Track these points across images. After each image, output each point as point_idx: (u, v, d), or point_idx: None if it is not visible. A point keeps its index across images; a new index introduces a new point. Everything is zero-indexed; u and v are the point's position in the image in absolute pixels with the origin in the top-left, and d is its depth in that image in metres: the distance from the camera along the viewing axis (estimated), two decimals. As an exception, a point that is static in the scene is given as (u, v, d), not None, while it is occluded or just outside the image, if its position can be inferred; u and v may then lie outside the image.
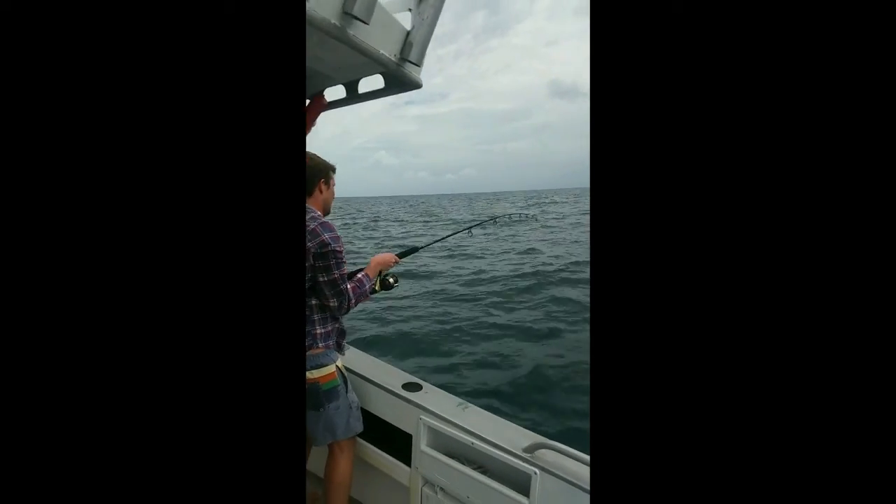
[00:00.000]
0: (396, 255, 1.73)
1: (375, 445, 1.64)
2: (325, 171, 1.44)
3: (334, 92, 1.40)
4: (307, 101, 1.31)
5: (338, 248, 1.37)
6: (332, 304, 1.42)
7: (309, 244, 1.33)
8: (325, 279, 1.37)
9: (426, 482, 1.48)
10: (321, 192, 1.44)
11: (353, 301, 1.45)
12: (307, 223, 1.36)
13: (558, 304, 6.32)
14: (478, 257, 10.47)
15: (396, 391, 1.57)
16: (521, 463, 1.23)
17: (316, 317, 1.43)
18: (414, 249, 1.87)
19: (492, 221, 2.05)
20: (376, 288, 1.64)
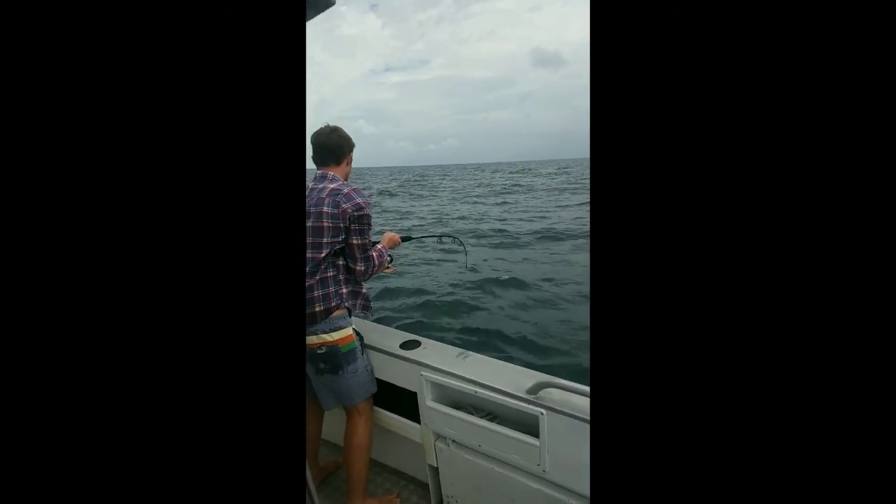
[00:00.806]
0: (401, 237, 1.73)
1: (384, 408, 1.63)
2: (351, 145, 1.51)
3: None
4: None
5: (371, 213, 1.42)
6: (358, 268, 1.44)
7: (345, 206, 1.36)
8: (358, 242, 1.41)
9: (437, 436, 1.47)
10: (347, 163, 1.50)
11: (376, 268, 1.49)
12: (340, 187, 1.40)
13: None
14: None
15: (395, 351, 1.52)
16: (526, 406, 1.19)
17: (342, 276, 1.44)
18: (410, 238, 1.84)
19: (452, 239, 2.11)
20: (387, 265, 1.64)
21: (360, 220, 1.38)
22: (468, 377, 1.33)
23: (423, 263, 6.81)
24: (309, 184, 1.46)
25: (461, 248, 2.09)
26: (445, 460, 1.45)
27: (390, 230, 1.72)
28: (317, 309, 1.39)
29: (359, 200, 1.38)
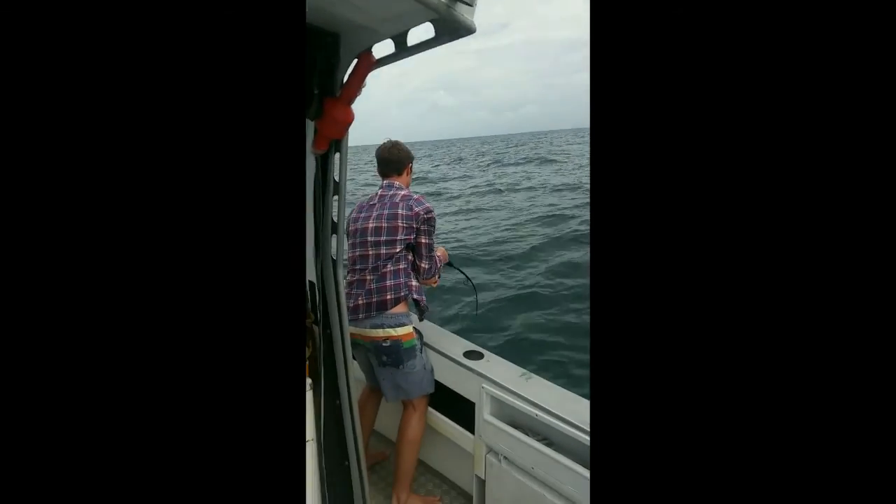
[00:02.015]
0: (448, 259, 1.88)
1: (439, 411, 1.66)
2: (411, 157, 1.70)
3: (382, 48, 1.35)
4: (355, 60, 1.26)
5: (436, 217, 1.62)
6: (423, 266, 1.60)
7: (417, 209, 1.55)
8: (426, 241, 1.59)
9: (490, 450, 1.48)
10: (408, 174, 1.69)
11: (436, 270, 1.67)
12: (410, 194, 1.60)
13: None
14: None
15: (458, 359, 1.55)
16: (586, 437, 1.17)
17: (411, 271, 1.59)
18: (450, 264, 1.93)
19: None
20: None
21: (429, 222, 1.58)
22: (531, 399, 1.33)
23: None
24: (378, 191, 1.64)
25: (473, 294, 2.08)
26: (494, 475, 1.46)
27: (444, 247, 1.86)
28: (388, 297, 1.50)
29: (428, 205, 1.59)
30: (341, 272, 1.19)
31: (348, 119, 1.02)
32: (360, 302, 1.51)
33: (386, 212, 1.54)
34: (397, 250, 1.53)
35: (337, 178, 1.10)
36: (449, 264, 1.90)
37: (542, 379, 1.45)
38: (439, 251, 1.76)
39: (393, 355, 1.50)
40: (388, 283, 1.51)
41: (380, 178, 1.69)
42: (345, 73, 1.00)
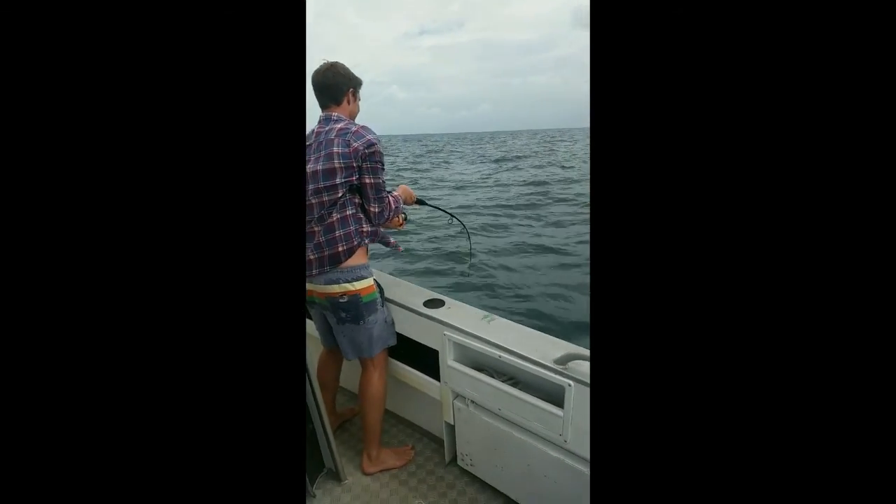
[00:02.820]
0: (417, 197, 1.64)
1: (404, 363, 1.62)
2: (354, 82, 1.41)
3: None
4: None
5: (382, 150, 1.35)
6: (373, 209, 1.39)
7: (356, 143, 1.30)
8: (371, 181, 1.35)
9: (456, 395, 1.46)
10: (349, 102, 1.41)
11: (391, 213, 1.43)
12: (347, 126, 1.33)
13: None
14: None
15: (419, 309, 1.49)
16: (553, 375, 1.16)
17: (361, 215, 1.39)
18: (423, 203, 1.75)
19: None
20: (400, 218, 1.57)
21: (371, 158, 1.32)
22: (493, 341, 1.30)
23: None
24: (315, 128, 1.39)
25: (465, 237, 1.99)
26: (463, 419, 1.45)
27: (406, 185, 1.64)
28: (339, 248, 1.35)
29: (369, 137, 1.32)
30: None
31: None
32: (312, 257, 1.36)
33: (323, 152, 1.31)
34: (339, 195, 1.32)
35: None
36: (420, 202, 1.69)
37: (503, 319, 1.41)
38: (401, 189, 1.56)
39: (352, 311, 1.40)
40: (337, 233, 1.34)
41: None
42: None
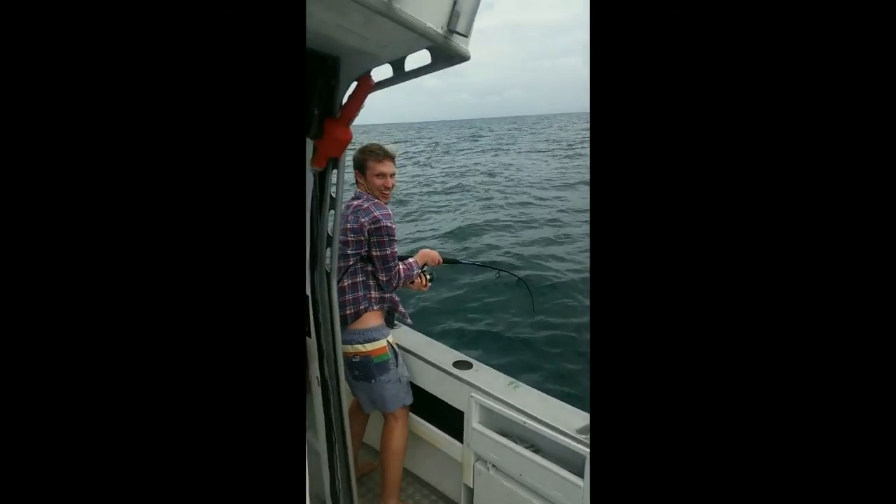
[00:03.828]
0: (441, 256, 1.79)
1: (427, 421, 1.68)
2: (365, 156, 1.57)
3: (381, 71, 1.40)
4: (354, 83, 1.32)
5: (389, 225, 1.50)
6: (382, 278, 1.54)
7: (363, 220, 1.48)
8: (378, 253, 1.51)
9: (478, 458, 1.51)
10: (369, 174, 1.57)
11: (402, 280, 1.58)
12: (361, 203, 1.52)
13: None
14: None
15: (447, 368, 1.59)
16: (574, 444, 1.22)
17: (371, 282, 1.55)
18: (456, 261, 1.85)
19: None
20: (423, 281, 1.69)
21: (378, 233, 1.48)
22: (519, 407, 1.37)
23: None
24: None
25: (526, 290, 1.90)
26: (483, 483, 1.49)
27: (433, 249, 1.76)
28: (347, 312, 1.50)
29: (375, 214, 1.48)
30: (335, 284, 1.22)
31: (347, 139, 1.06)
32: None
33: (347, 224, 1.51)
34: (350, 263, 1.51)
35: (334, 194, 1.14)
36: (450, 261, 1.76)
37: (529, 387, 1.49)
38: (421, 254, 1.71)
39: (363, 370, 1.53)
40: (347, 297, 1.51)
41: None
42: (344, 94, 1.05)
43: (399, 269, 1.57)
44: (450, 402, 1.58)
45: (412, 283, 1.68)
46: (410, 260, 1.67)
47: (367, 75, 1.21)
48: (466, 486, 1.56)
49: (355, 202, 1.54)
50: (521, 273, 1.95)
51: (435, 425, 1.67)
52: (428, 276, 1.72)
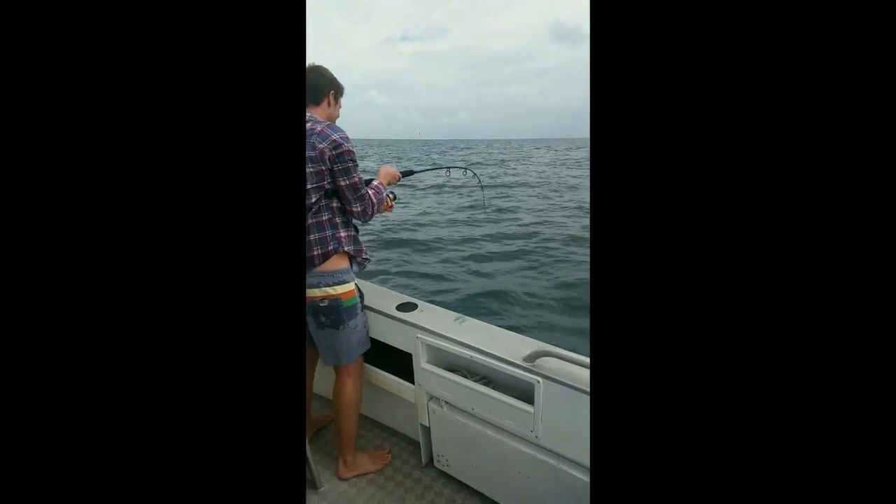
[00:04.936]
0: (401, 172, 1.62)
1: (378, 367, 1.63)
2: (335, 86, 1.39)
3: None
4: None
5: (351, 148, 1.29)
6: (355, 210, 1.35)
7: (321, 145, 1.24)
8: (346, 182, 1.30)
9: (431, 397, 1.48)
10: (328, 104, 1.38)
11: (375, 207, 1.40)
12: (314, 125, 1.27)
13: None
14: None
15: (392, 313, 1.51)
16: (523, 373, 1.19)
17: (338, 220, 1.35)
18: (411, 172, 1.72)
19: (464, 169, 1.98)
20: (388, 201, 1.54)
21: (340, 158, 1.26)
22: (464, 342, 1.32)
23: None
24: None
25: (475, 179, 1.90)
26: (438, 421, 1.47)
27: (387, 165, 1.60)
28: (314, 252, 1.32)
29: (334, 137, 1.25)
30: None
31: None
32: None
33: None
34: (312, 200, 1.29)
35: None
36: (407, 173, 1.64)
37: (475, 320, 1.44)
38: (382, 174, 1.53)
39: (332, 315, 1.37)
40: (312, 237, 1.32)
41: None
42: None
43: (370, 196, 1.37)
44: (398, 346, 1.52)
45: (386, 205, 1.49)
46: (375, 182, 1.47)
47: None
48: (423, 426, 1.54)
49: (312, 127, 1.27)
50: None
51: (386, 370, 1.62)
52: (392, 195, 1.55)
